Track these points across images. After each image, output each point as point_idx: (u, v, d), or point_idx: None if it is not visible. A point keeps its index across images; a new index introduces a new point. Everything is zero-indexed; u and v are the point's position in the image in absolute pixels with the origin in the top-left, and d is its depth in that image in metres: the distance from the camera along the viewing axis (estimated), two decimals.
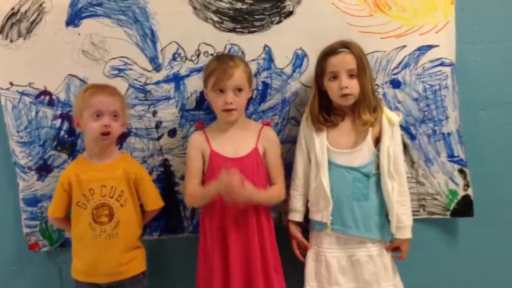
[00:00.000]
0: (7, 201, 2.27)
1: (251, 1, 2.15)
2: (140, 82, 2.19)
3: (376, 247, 2.00)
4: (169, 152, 2.23)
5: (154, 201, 2.10)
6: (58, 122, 2.20)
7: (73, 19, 2.15)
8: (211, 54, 2.16)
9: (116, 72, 2.18)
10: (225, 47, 2.17)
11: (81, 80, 2.18)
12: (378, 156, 1.99)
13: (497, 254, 2.29)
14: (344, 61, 1.97)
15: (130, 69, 2.18)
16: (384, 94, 2.19)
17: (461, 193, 2.21)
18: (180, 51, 2.17)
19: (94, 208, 1.99)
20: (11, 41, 2.16)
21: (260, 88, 2.20)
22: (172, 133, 2.22)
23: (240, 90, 1.99)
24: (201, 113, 2.20)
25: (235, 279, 1.96)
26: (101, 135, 1.97)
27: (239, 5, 2.15)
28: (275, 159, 2.06)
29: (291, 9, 2.16)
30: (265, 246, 2.00)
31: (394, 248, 2.04)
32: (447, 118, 2.19)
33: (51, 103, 2.19)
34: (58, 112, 2.20)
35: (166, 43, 2.17)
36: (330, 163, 2.00)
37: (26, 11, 2.15)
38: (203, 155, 2.05)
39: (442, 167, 2.21)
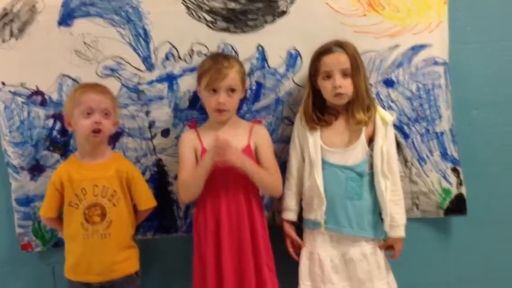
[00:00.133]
0: None
1: (245, 1, 2.15)
2: (133, 82, 2.18)
3: (369, 246, 2.01)
4: (163, 152, 2.22)
5: (147, 201, 2.10)
6: (50, 122, 2.19)
7: (66, 19, 2.14)
8: (204, 54, 2.16)
9: (109, 72, 2.17)
10: (218, 47, 2.17)
11: (73, 80, 2.17)
12: (371, 155, 2.00)
13: (490, 253, 2.30)
14: (338, 61, 1.97)
15: (123, 69, 2.17)
16: (378, 93, 2.19)
17: (454, 191, 2.22)
18: (173, 51, 2.16)
19: (86, 208, 1.98)
20: (3, 41, 2.15)
21: (253, 87, 2.20)
22: (165, 133, 2.21)
23: (233, 90, 1.99)
24: (195, 112, 2.20)
25: (228, 276, 1.97)
26: (92, 133, 1.96)
27: (232, 4, 2.15)
28: (267, 154, 2.05)
29: (284, 9, 2.16)
30: (258, 242, 2.00)
31: (388, 246, 2.05)
32: (440, 117, 2.19)
33: (43, 103, 2.18)
34: (51, 112, 2.19)
35: (159, 43, 2.16)
36: (323, 162, 2.01)
37: (18, 11, 2.14)
38: (195, 152, 2.04)
39: (435, 165, 2.21)
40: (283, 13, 2.16)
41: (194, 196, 2.01)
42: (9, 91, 2.17)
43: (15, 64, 2.16)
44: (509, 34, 2.25)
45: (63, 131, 2.19)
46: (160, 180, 2.23)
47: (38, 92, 2.18)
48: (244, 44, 2.17)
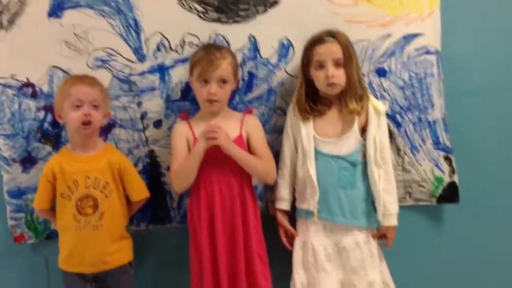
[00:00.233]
0: None
1: None
2: (124, 73, 2.17)
3: (362, 235, 2.02)
4: (155, 143, 2.21)
5: (139, 192, 2.10)
6: (41, 114, 2.17)
7: (55, 10, 2.12)
8: (196, 45, 2.15)
9: (99, 63, 2.16)
10: (210, 37, 2.15)
11: (64, 71, 2.15)
12: (364, 145, 2.00)
13: (483, 240, 2.31)
14: (331, 51, 1.97)
15: (114, 60, 2.15)
16: (370, 83, 2.19)
17: (447, 180, 2.23)
18: (164, 41, 2.15)
19: (78, 199, 1.98)
20: None
21: (246, 78, 2.19)
22: (157, 124, 2.20)
23: (224, 81, 1.99)
24: (187, 103, 2.19)
25: (222, 266, 1.98)
26: (81, 125, 1.96)
27: None
28: (259, 142, 2.05)
29: None
30: (250, 231, 2.00)
31: (381, 235, 2.06)
32: (432, 106, 2.19)
33: (34, 95, 2.16)
34: (42, 104, 2.17)
35: (150, 34, 2.15)
36: (316, 152, 2.01)
37: (8, 2, 2.11)
38: (188, 143, 2.04)
39: (428, 154, 2.22)
40: (275, 3, 2.15)
41: (187, 186, 2.01)
42: (0, 83, 2.15)
43: (5, 56, 2.14)
44: (501, 23, 2.25)
45: (54, 123, 2.18)
46: (153, 171, 2.22)
47: (28, 84, 2.16)
48: (236, 35, 2.15)
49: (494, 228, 2.31)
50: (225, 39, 2.15)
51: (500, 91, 2.26)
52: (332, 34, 1.98)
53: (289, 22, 2.15)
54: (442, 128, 2.20)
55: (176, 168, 2.00)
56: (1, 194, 2.21)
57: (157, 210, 2.25)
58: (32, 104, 2.17)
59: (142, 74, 2.17)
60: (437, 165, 2.22)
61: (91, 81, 2.01)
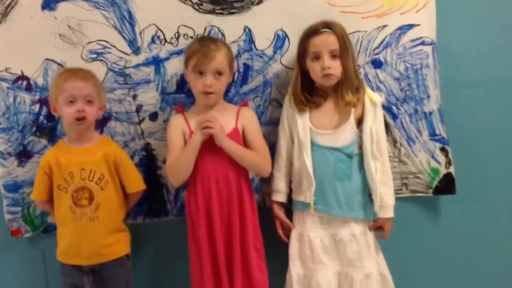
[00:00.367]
0: None
1: None
2: (119, 65, 2.16)
3: (359, 227, 2.02)
4: (151, 136, 2.21)
5: (135, 184, 2.10)
6: (36, 107, 2.17)
7: (49, 3, 2.11)
8: (191, 37, 2.14)
9: (94, 55, 2.15)
10: (205, 29, 2.14)
11: (58, 64, 2.14)
12: (360, 137, 2.00)
13: (479, 231, 2.31)
14: (327, 42, 1.96)
15: (109, 52, 2.14)
16: (366, 74, 2.18)
17: (443, 171, 2.23)
18: (159, 33, 2.14)
19: (74, 191, 1.99)
20: None
21: (241, 70, 2.18)
22: (153, 116, 2.20)
23: (220, 74, 1.98)
24: (182, 96, 2.18)
25: (220, 258, 1.98)
26: (75, 120, 1.96)
27: None
28: (255, 135, 2.05)
29: None
30: (246, 224, 2.00)
31: (377, 227, 2.06)
32: (428, 97, 2.19)
33: (29, 88, 2.16)
34: (36, 97, 2.16)
35: (144, 26, 2.14)
36: (312, 143, 2.01)
37: None
38: (183, 136, 2.04)
39: (424, 145, 2.22)
40: None
41: (183, 179, 2.01)
42: None
43: None
44: (496, 13, 2.24)
45: (50, 116, 2.17)
46: (149, 164, 2.22)
47: (23, 77, 2.15)
48: (231, 26, 2.15)
49: (491, 219, 2.32)
50: (220, 31, 2.14)
51: (495, 82, 2.25)
52: (328, 25, 1.97)
53: (284, 13, 2.14)
54: (438, 119, 2.20)
55: (172, 162, 1.99)
56: None
57: (153, 203, 2.24)
58: (27, 97, 2.16)
59: (137, 66, 2.16)
60: (433, 157, 2.22)
61: (84, 75, 2.00)
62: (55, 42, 2.13)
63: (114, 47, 2.14)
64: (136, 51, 2.15)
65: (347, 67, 1.97)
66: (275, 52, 2.18)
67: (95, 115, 2.02)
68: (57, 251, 2.06)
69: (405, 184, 2.25)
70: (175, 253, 2.20)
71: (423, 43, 2.16)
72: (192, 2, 2.13)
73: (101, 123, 2.17)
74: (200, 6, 2.14)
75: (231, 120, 2.04)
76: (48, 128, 2.18)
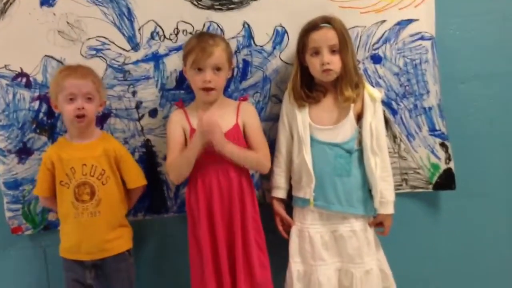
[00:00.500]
0: None
1: None
2: (118, 62, 2.16)
3: (359, 223, 2.01)
4: (151, 133, 2.21)
5: (136, 179, 2.11)
6: (36, 104, 2.17)
7: None
8: (190, 33, 2.14)
9: (93, 52, 2.15)
10: (204, 25, 2.14)
11: (58, 61, 2.15)
12: (360, 132, 2.00)
13: (479, 226, 2.31)
14: (326, 37, 1.96)
15: (108, 49, 2.15)
16: (365, 70, 2.18)
17: (443, 166, 2.22)
18: (158, 29, 2.14)
19: (76, 186, 2.00)
20: None
21: (240, 66, 2.18)
22: (152, 113, 2.20)
23: (219, 69, 1.98)
24: (182, 92, 2.18)
25: (222, 255, 1.97)
26: (76, 118, 1.97)
27: None
28: (255, 130, 2.05)
29: None
30: (247, 220, 2.00)
31: (377, 223, 2.05)
32: (428, 92, 2.19)
33: (28, 85, 2.16)
34: (36, 94, 2.17)
35: (143, 22, 2.14)
36: (312, 139, 2.01)
37: None
38: (184, 132, 2.04)
39: (424, 141, 2.22)
40: None
41: (183, 177, 2.01)
42: None
43: None
44: (495, 7, 2.23)
45: (49, 113, 2.17)
46: (149, 160, 2.22)
47: (22, 74, 2.15)
48: (229, 22, 2.14)
49: (490, 214, 2.31)
50: (219, 27, 2.14)
51: (495, 77, 2.25)
52: (328, 20, 1.97)
53: (283, 9, 2.14)
54: (438, 115, 2.19)
55: (173, 160, 1.99)
56: None
57: (154, 200, 2.25)
58: (26, 94, 2.16)
59: (136, 63, 2.16)
60: (433, 152, 2.22)
61: (84, 72, 2.01)
62: (54, 39, 2.14)
63: (113, 43, 2.14)
64: (135, 47, 2.15)
65: (347, 63, 1.97)
66: (274, 48, 2.17)
67: (95, 111, 2.04)
68: (59, 247, 2.08)
69: (405, 179, 2.24)
70: (175, 249, 2.21)
71: (422, 38, 2.16)
72: None
73: (101, 120, 2.17)
74: (199, 2, 2.13)
75: (232, 117, 2.04)
76: (48, 125, 2.19)
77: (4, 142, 2.18)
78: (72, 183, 2.00)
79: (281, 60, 2.18)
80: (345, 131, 2.00)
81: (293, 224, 2.07)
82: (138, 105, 2.19)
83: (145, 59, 2.16)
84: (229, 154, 1.95)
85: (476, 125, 2.27)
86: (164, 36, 2.15)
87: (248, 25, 2.15)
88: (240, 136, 2.02)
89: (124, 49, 2.15)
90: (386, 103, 2.19)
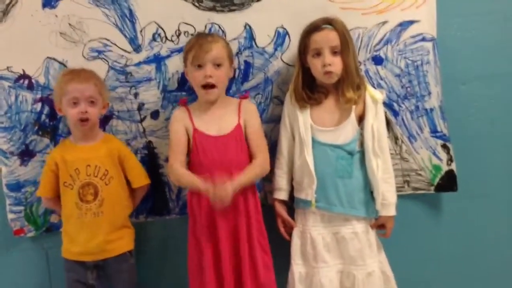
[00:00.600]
0: None
1: None
2: (120, 63, 2.16)
3: (361, 224, 2.01)
4: (153, 134, 2.21)
5: (140, 178, 2.12)
6: (38, 106, 2.18)
7: (50, 1, 2.12)
8: (191, 34, 2.14)
9: (95, 54, 2.15)
10: (205, 27, 2.15)
11: (60, 62, 2.15)
12: (361, 134, 2.00)
13: (481, 228, 2.30)
14: (328, 38, 1.96)
15: (110, 50, 2.15)
16: (367, 71, 2.18)
17: (445, 168, 2.22)
18: (159, 31, 2.15)
19: (80, 187, 2.02)
20: None
21: (242, 67, 2.18)
22: (154, 114, 2.20)
23: (219, 65, 1.98)
24: (183, 94, 2.18)
25: (225, 257, 1.97)
26: (79, 121, 2.00)
27: None
28: (256, 131, 2.05)
29: None
30: (251, 222, 2.00)
31: (379, 225, 2.05)
32: (429, 93, 2.19)
33: (30, 87, 2.17)
34: (38, 96, 2.17)
35: (145, 24, 2.14)
36: (314, 141, 2.01)
37: None
38: (186, 131, 2.04)
39: (425, 142, 2.22)
40: None
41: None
42: None
43: (0, 48, 2.14)
44: (497, 8, 2.23)
45: (52, 115, 2.18)
46: (151, 162, 2.22)
47: (24, 76, 2.16)
48: (231, 23, 2.15)
49: (493, 216, 2.31)
50: (220, 28, 2.15)
51: (497, 78, 2.25)
52: (329, 22, 1.97)
53: (285, 10, 2.14)
54: (439, 116, 2.19)
55: (177, 172, 2.00)
56: (0, 187, 2.21)
57: (156, 202, 2.25)
58: (28, 96, 2.17)
59: (138, 64, 2.17)
60: (434, 153, 2.22)
61: (86, 76, 2.03)
62: (56, 41, 2.14)
63: (115, 45, 2.15)
64: (137, 49, 2.16)
65: (348, 64, 1.97)
66: (275, 49, 2.18)
67: (98, 114, 2.06)
68: (62, 248, 2.08)
69: (406, 181, 2.24)
70: (177, 251, 2.20)
71: (423, 39, 2.16)
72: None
73: (103, 122, 2.18)
74: (201, 3, 2.14)
75: (234, 117, 2.04)
76: (50, 127, 2.19)
77: (7, 144, 2.18)
78: (76, 184, 2.02)
79: (283, 61, 2.18)
80: (346, 133, 2.00)
81: (295, 226, 2.06)
82: (140, 107, 2.19)
83: (147, 61, 2.17)
84: (240, 187, 1.95)
85: (477, 126, 2.26)
86: (166, 38, 2.15)
87: (250, 27, 2.16)
88: (242, 137, 2.02)
89: (126, 51, 2.16)
90: (388, 105, 2.18)
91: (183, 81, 2.18)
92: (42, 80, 2.16)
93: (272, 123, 2.20)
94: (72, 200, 2.02)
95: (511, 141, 2.28)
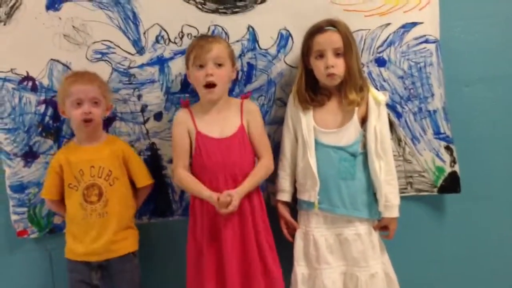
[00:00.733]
0: None
1: None
2: (123, 65, 2.17)
3: (364, 226, 2.01)
4: (156, 136, 2.22)
5: (143, 178, 2.14)
6: (42, 108, 2.18)
7: (53, 3, 2.12)
8: (195, 36, 2.14)
9: (99, 56, 2.16)
10: (208, 29, 2.15)
11: (63, 64, 2.16)
12: (364, 136, 2.00)
13: (484, 229, 2.30)
14: (331, 40, 1.96)
15: (113, 52, 2.16)
16: (370, 73, 2.18)
17: (448, 169, 2.22)
18: (163, 33, 2.15)
19: (84, 188, 2.03)
20: None
21: (245, 69, 2.19)
22: (158, 116, 2.21)
23: (220, 65, 1.99)
24: (187, 95, 2.18)
25: (231, 260, 1.96)
26: (83, 122, 2.00)
27: None
28: (258, 132, 2.05)
29: None
30: (257, 222, 2.00)
31: (382, 227, 2.05)
32: (432, 95, 2.19)
33: (34, 89, 2.17)
34: (42, 98, 2.18)
35: (148, 26, 2.15)
36: (316, 142, 2.01)
37: None
38: (189, 133, 2.04)
39: (429, 144, 2.22)
40: None
41: None
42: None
43: (4, 50, 2.14)
44: (500, 10, 2.23)
45: (55, 117, 2.18)
46: (154, 164, 2.23)
47: (28, 78, 2.16)
48: (234, 25, 2.15)
49: (496, 217, 2.31)
50: (223, 30, 2.15)
51: (500, 80, 2.25)
52: (332, 23, 1.97)
53: (288, 12, 2.15)
54: (443, 118, 2.19)
55: (181, 177, 2.01)
56: (3, 188, 2.21)
57: (159, 203, 2.25)
58: (32, 98, 2.18)
59: (141, 66, 2.17)
60: (438, 155, 2.22)
61: (90, 78, 2.04)
62: (60, 43, 2.15)
63: (119, 47, 2.16)
64: (141, 51, 2.16)
65: (351, 66, 1.97)
66: (278, 51, 2.18)
67: (102, 115, 2.07)
68: (65, 248, 2.09)
69: (409, 183, 2.24)
70: (180, 252, 2.19)
71: (426, 41, 2.16)
72: (196, 2, 2.14)
73: (106, 124, 2.18)
74: (204, 6, 2.14)
75: (236, 118, 2.04)
76: (54, 128, 2.19)
77: (10, 146, 2.19)
78: (81, 185, 2.03)
79: (286, 63, 2.18)
80: (349, 135, 2.00)
81: (298, 227, 2.07)
82: (143, 109, 2.20)
83: (150, 63, 2.17)
84: (247, 192, 1.97)
85: (480, 128, 2.26)
86: (169, 40, 2.16)
87: (253, 29, 2.16)
88: (245, 138, 2.03)
89: (129, 53, 2.16)
90: (391, 106, 2.18)
91: (186, 83, 2.18)
92: (46, 82, 2.17)
93: (275, 125, 2.21)
94: (77, 201, 2.04)
95: None
